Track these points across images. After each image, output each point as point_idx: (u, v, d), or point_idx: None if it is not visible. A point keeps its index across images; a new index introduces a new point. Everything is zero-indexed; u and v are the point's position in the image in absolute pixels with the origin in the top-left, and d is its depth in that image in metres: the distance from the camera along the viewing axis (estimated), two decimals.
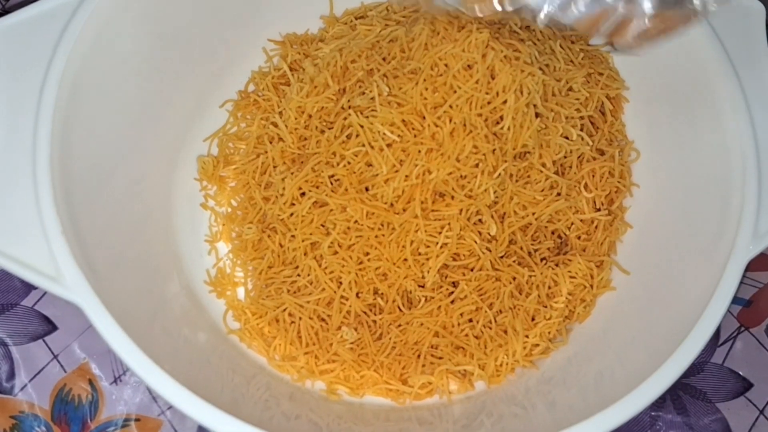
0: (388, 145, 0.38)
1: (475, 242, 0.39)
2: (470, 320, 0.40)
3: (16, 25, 0.35)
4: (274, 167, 0.43)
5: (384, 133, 0.38)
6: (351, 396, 0.39)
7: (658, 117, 0.42)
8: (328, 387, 0.39)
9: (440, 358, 0.39)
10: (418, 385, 0.39)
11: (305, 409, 0.37)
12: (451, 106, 0.38)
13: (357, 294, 0.39)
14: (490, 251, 0.39)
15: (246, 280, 0.42)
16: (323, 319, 0.40)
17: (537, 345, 0.40)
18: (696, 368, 0.44)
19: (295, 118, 0.42)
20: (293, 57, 0.46)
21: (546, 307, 0.40)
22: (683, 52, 0.39)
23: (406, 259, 0.39)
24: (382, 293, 0.40)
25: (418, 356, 0.39)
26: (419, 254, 0.39)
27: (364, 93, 0.40)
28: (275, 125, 0.43)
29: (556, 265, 0.41)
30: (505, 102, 0.38)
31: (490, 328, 0.40)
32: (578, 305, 0.41)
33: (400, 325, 0.40)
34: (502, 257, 0.40)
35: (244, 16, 0.45)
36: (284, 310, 0.40)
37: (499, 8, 0.32)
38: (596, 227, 0.42)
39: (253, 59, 0.47)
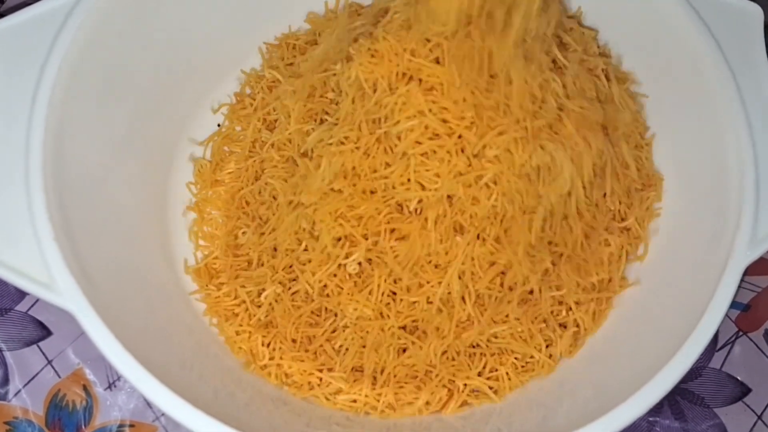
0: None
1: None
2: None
3: (10, 29, 0.35)
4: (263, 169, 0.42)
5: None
6: (348, 404, 0.38)
7: (655, 122, 0.42)
8: (321, 394, 0.38)
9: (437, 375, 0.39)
10: (409, 399, 0.38)
11: (298, 415, 0.36)
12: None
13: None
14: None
15: (240, 285, 0.42)
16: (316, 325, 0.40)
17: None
18: (694, 373, 0.44)
19: (287, 120, 0.42)
20: (288, 60, 0.46)
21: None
22: (680, 56, 0.39)
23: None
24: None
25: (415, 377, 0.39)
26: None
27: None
28: (269, 129, 0.43)
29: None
30: None
31: (490, 343, 0.39)
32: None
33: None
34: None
35: (239, 18, 0.45)
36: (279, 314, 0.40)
37: None
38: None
39: (249, 62, 0.47)
